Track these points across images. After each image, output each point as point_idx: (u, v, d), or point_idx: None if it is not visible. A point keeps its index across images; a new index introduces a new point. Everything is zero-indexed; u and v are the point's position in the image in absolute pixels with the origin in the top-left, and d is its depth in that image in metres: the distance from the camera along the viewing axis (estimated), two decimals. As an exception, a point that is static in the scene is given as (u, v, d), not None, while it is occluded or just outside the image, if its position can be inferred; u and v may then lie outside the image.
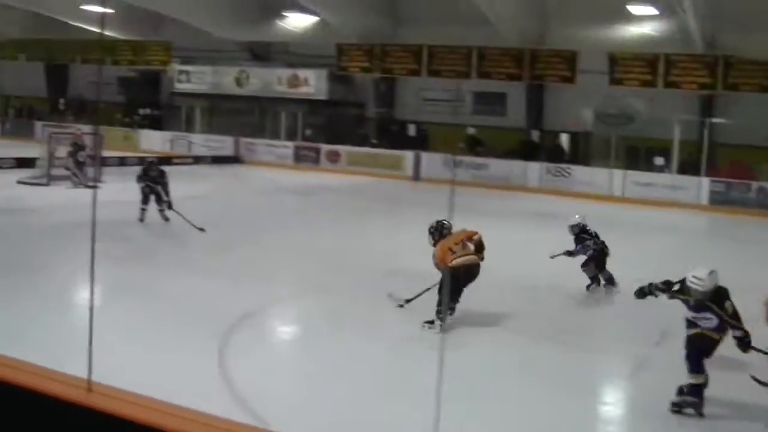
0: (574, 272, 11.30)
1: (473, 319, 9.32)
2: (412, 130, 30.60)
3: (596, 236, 11.28)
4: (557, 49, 27.05)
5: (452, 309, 8.87)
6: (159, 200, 15.59)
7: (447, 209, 19.67)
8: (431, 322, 8.83)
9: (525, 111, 28.61)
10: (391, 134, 30.91)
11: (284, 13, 30.28)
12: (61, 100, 40.23)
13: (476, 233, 9.32)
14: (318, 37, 30.98)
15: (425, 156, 28.45)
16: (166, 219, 15.55)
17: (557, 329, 9.70)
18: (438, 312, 8.74)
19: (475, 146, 28.10)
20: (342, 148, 30.25)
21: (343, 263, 12.56)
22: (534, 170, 26.52)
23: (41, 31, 37.90)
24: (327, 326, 9.32)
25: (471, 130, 28.62)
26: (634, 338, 9.33)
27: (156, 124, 36.62)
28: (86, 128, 28.40)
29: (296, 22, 30.78)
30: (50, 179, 21.13)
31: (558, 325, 9.96)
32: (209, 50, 34.29)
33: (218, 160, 31.05)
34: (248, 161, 31.71)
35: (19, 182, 20.97)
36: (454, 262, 8.87)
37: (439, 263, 8.98)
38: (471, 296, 9.09)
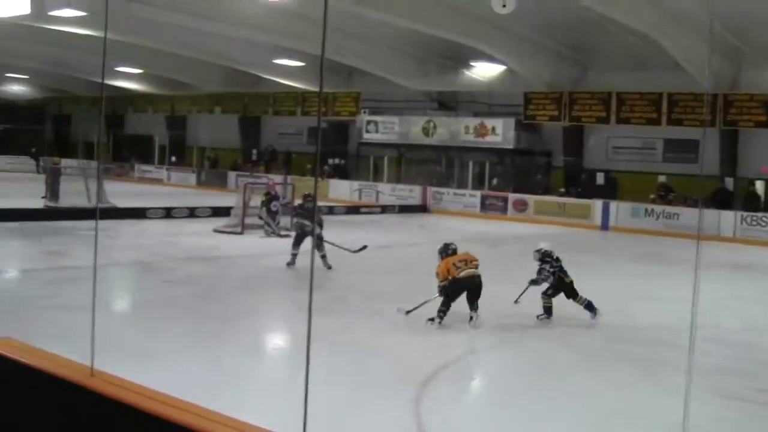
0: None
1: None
2: (600, 178, 32.82)
3: (557, 262, 12.81)
4: (752, 93, 28.57)
5: (445, 312, 11.93)
6: (320, 245, 16.22)
7: (637, 257, 21.98)
8: (432, 320, 11.80)
9: (718, 157, 29.94)
10: (580, 183, 33.26)
11: (471, 63, 33.38)
12: (254, 151, 45.33)
13: (475, 259, 12.46)
14: (505, 86, 34.01)
15: (614, 205, 30.59)
16: (329, 267, 16.49)
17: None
18: (439, 312, 11.84)
19: (667, 195, 30.13)
20: (530, 197, 32.94)
21: (533, 313, 12.68)
22: (728, 219, 27.86)
23: (236, 85, 43.30)
24: (524, 379, 9.69)
25: (662, 178, 30.78)
26: None
27: (343, 173, 40.68)
28: (278, 178, 32.50)
29: (483, 71, 33.88)
30: (244, 228, 22.94)
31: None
32: (397, 100, 38.35)
33: (406, 209, 34.37)
34: (435, 210, 34.83)
35: (215, 231, 23.05)
36: (461, 275, 12.00)
37: (441, 275, 12.22)
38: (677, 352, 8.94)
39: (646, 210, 29.82)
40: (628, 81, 31.06)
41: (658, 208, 29.67)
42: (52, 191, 26.42)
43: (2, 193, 29.33)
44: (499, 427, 7.99)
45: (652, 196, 30.25)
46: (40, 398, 4.62)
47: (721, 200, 28.90)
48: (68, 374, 4.44)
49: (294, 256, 16.65)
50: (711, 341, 10.38)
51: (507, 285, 16.47)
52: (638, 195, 30.48)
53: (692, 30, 23.95)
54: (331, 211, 30.02)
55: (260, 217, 23.03)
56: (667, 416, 6.20)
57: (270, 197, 23.16)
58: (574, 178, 33.78)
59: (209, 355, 9.96)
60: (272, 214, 22.77)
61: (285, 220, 23.12)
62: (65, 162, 41.43)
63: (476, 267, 12.31)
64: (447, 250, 12.65)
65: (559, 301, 12.76)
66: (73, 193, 24.36)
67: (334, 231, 17.98)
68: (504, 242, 25.46)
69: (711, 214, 27.95)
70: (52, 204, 25.61)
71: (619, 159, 33.20)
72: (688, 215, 28.25)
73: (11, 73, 49.62)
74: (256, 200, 24.02)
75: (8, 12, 24.79)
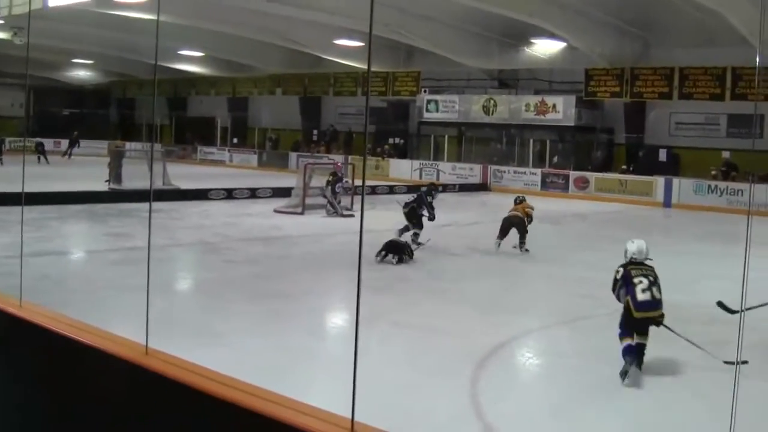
0: None
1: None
2: (663, 155, 32.49)
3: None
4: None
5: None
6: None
7: (700, 236, 21.65)
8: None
9: None
10: (642, 159, 32.97)
11: (532, 40, 33.16)
12: (315, 131, 45.66)
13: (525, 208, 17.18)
14: (566, 63, 33.82)
15: (676, 181, 30.29)
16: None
17: None
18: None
19: (730, 171, 29.72)
20: (591, 175, 32.82)
21: (593, 294, 12.40)
22: None
23: (296, 66, 43.49)
24: (583, 359, 9.61)
25: (726, 154, 30.34)
26: None
27: (403, 153, 40.81)
28: (338, 158, 32.58)
29: (544, 48, 33.66)
30: (305, 208, 23.03)
31: None
32: (457, 79, 38.25)
33: (466, 187, 34.43)
34: (496, 188, 34.84)
35: (276, 211, 23.13)
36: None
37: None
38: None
39: (710, 186, 29.38)
40: (691, 56, 30.74)
41: (722, 184, 29.23)
42: (116, 174, 26.77)
43: (69, 175, 29.83)
44: (556, 409, 7.89)
45: (713, 172, 29.82)
46: (95, 376, 4.68)
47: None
48: (123, 352, 4.47)
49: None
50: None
51: (568, 262, 16.64)
52: (701, 171, 30.13)
53: (760, 4, 23.39)
54: (391, 190, 30.10)
55: (325, 197, 23.18)
56: (720, 394, 5.99)
57: (336, 178, 23.20)
58: (636, 155, 33.46)
59: (270, 334, 9.99)
60: (336, 195, 22.88)
61: (345, 201, 23.33)
62: (129, 145, 42.06)
63: (522, 212, 17.01)
64: (516, 200, 17.70)
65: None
66: (137, 175, 24.64)
67: (397, 211, 17.97)
68: (566, 220, 25.40)
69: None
70: (115, 186, 25.98)
71: (682, 135, 32.80)
72: (754, 192, 27.84)
73: (77, 58, 50.36)
74: (317, 181, 24.15)
75: (73, -1, 25.22)
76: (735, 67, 29.83)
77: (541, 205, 28.10)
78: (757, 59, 23.98)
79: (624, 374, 8.32)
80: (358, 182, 24.89)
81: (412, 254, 15.47)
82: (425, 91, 39.23)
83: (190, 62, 46.21)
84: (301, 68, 43.74)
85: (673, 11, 26.95)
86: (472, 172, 36.45)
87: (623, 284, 8.85)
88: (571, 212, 27.18)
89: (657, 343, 8.88)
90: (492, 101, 36.64)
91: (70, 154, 44.83)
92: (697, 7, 24.91)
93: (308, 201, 23.40)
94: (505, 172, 35.64)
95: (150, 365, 4.24)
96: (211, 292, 12.59)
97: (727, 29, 26.10)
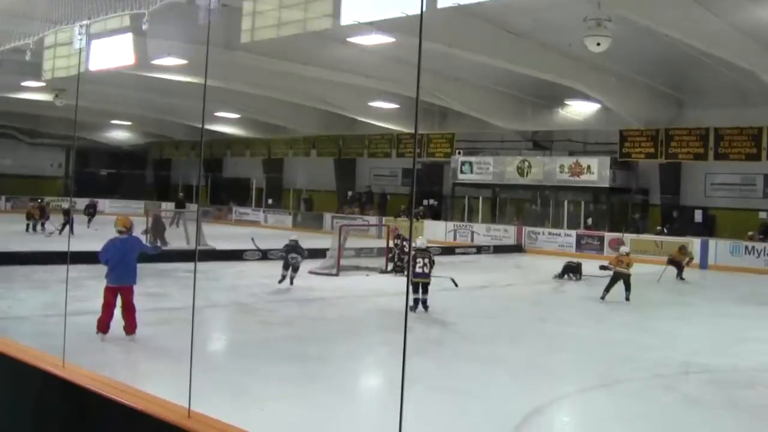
0: None
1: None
2: (698, 216, 32.44)
3: None
4: None
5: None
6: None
7: (738, 297, 21.51)
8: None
9: None
10: (677, 220, 32.80)
11: (566, 102, 33.18)
12: (349, 193, 45.90)
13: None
14: (600, 124, 33.85)
15: (713, 242, 30.04)
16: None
17: None
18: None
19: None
20: (626, 236, 32.54)
21: (632, 357, 12.65)
22: None
23: (331, 128, 43.89)
24: (623, 424, 9.52)
25: (763, 215, 30.17)
26: None
27: (437, 214, 40.79)
28: (372, 219, 32.66)
29: (578, 109, 33.67)
30: (340, 269, 23.06)
31: None
32: (491, 141, 38.45)
33: (501, 249, 34.32)
34: (530, 250, 34.70)
35: (311, 272, 22.65)
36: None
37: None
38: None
39: (747, 248, 29.18)
40: (725, 116, 30.71)
41: (759, 245, 29.04)
42: (159, 235, 26.94)
43: (103, 235, 30.05)
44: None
45: (750, 233, 29.70)
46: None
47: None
48: (166, 415, 4.50)
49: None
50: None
51: (603, 325, 16.53)
52: (738, 232, 29.94)
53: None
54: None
55: (394, 257, 24.27)
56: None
57: (402, 239, 24.25)
58: (672, 216, 33.35)
59: (306, 397, 9.97)
60: (403, 254, 23.67)
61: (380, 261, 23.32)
62: (164, 205, 42.37)
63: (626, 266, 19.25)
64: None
65: (669, 345, 12.45)
66: (173, 235, 24.78)
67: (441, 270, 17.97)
68: (601, 281, 25.06)
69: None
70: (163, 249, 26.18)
71: (718, 196, 32.73)
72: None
73: (116, 119, 51.15)
74: (352, 242, 24.58)
75: (114, 63, 25.62)
76: (772, 127, 29.73)
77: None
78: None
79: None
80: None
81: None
82: (459, 153, 39.40)
83: (226, 124, 46.75)
84: (336, 130, 44.13)
85: (706, 72, 26.94)
86: (506, 234, 36.40)
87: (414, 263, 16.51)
88: (606, 273, 26.83)
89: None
90: (526, 162, 36.72)
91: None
92: (730, 67, 24.91)
93: (343, 262, 23.48)
94: (539, 233, 35.54)
95: (193, 428, 4.26)
96: (247, 354, 12.55)
97: (761, 89, 26.09)
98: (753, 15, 20.30)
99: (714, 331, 16.03)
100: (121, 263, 12.45)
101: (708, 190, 33.10)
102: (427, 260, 16.51)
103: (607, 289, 19.62)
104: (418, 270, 16.38)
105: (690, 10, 19.80)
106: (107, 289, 12.43)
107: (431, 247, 20.21)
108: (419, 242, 17.32)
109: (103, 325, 12.30)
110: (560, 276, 24.31)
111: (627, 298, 19.27)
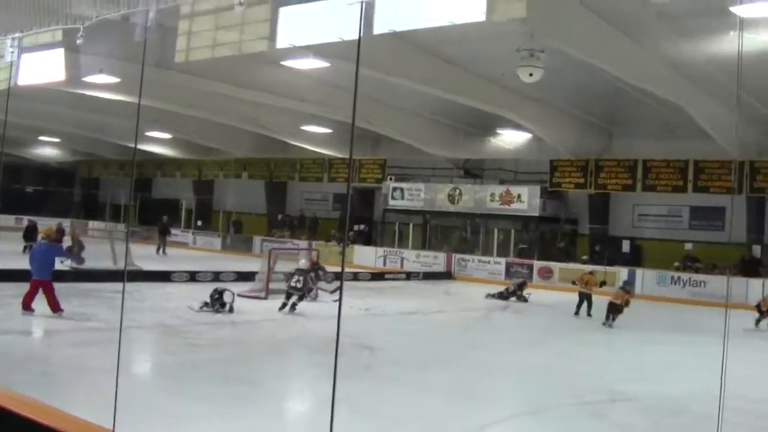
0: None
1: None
2: (626, 246, 32.88)
3: None
4: (780, 160, 28.41)
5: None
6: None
7: (663, 326, 21.85)
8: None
9: (745, 225, 29.89)
10: (605, 251, 33.16)
11: (498, 131, 33.45)
12: (279, 216, 45.57)
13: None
14: (531, 154, 34.23)
15: (640, 272, 30.45)
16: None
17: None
18: None
19: (692, 264, 29.97)
20: (555, 265, 32.90)
21: (560, 383, 12.79)
22: (756, 287, 27.18)
23: (263, 151, 43.71)
24: None
25: (688, 246, 30.69)
26: None
27: (368, 239, 40.69)
28: (302, 243, 32.48)
29: (510, 139, 33.97)
30: (269, 293, 22.82)
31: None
32: (423, 167, 38.62)
33: (430, 276, 34.33)
34: (460, 277, 34.82)
35: (239, 295, 21.90)
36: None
37: None
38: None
39: (672, 278, 29.68)
40: (654, 149, 31.29)
41: (685, 275, 29.53)
42: (77, 254, 26.41)
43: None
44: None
45: (676, 264, 30.20)
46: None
47: (749, 268, 28.87)
48: (90, 437, 4.38)
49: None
50: (740, 412, 9.86)
51: (532, 351, 16.62)
52: (664, 263, 30.40)
53: (720, 99, 23.94)
54: (355, 277, 30.03)
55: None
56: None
57: (318, 266, 23.94)
58: (600, 246, 33.71)
59: (234, 418, 9.89)
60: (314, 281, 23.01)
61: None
62: (92, 224, 41.62)
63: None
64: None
65: (597, 372, 12.53)
66: (99, 255, 24.35)
67: (358, 297, 17.97)
68: (530, 310, 25.58)
69: (738, 282, 27.63)
70: (77, 266, 25.66)
71: (645, 227, 33.28)
72: (715, 283, 28.15)
73: (44, 136, 50.23)
74: (281, 266, 24.07)
75: (44, 78, 25.16)
76: (697, 159, 30.48)
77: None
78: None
79: None
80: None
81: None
82: (391, 179, 39.48)
83: (157, 144, 46.11)
84: (268, 153, 43.95)
85: (636, 104, 27.35)
86: (436, 260, 36.44)
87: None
88: (536, 302, 27.14)
89: None
90: (457, 190, 36.92)
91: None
92: (658, 101, 25.36)
93: (272, 286, 23.28)
94: (469, 260, 35.68)
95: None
96: (174, 375, 12.37)
97: (688, 122, 26.40)
98: (681, 50, 20.66)
99: (641, 358, 16.24)
100: (39, 262, 16.59)
101: (636, 221, 33.64)
102: (301, 277, 20.11)
103: (578, 307, 22.70)
104: (293, 284, 20.14)
105: (621, 44, 20.10)
106: (31, 281, 16.54)
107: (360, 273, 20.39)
108: (301, 263, 21.29)
109: (26, 305, 16.43)
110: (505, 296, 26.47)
111: (588, 314, 22.28)
